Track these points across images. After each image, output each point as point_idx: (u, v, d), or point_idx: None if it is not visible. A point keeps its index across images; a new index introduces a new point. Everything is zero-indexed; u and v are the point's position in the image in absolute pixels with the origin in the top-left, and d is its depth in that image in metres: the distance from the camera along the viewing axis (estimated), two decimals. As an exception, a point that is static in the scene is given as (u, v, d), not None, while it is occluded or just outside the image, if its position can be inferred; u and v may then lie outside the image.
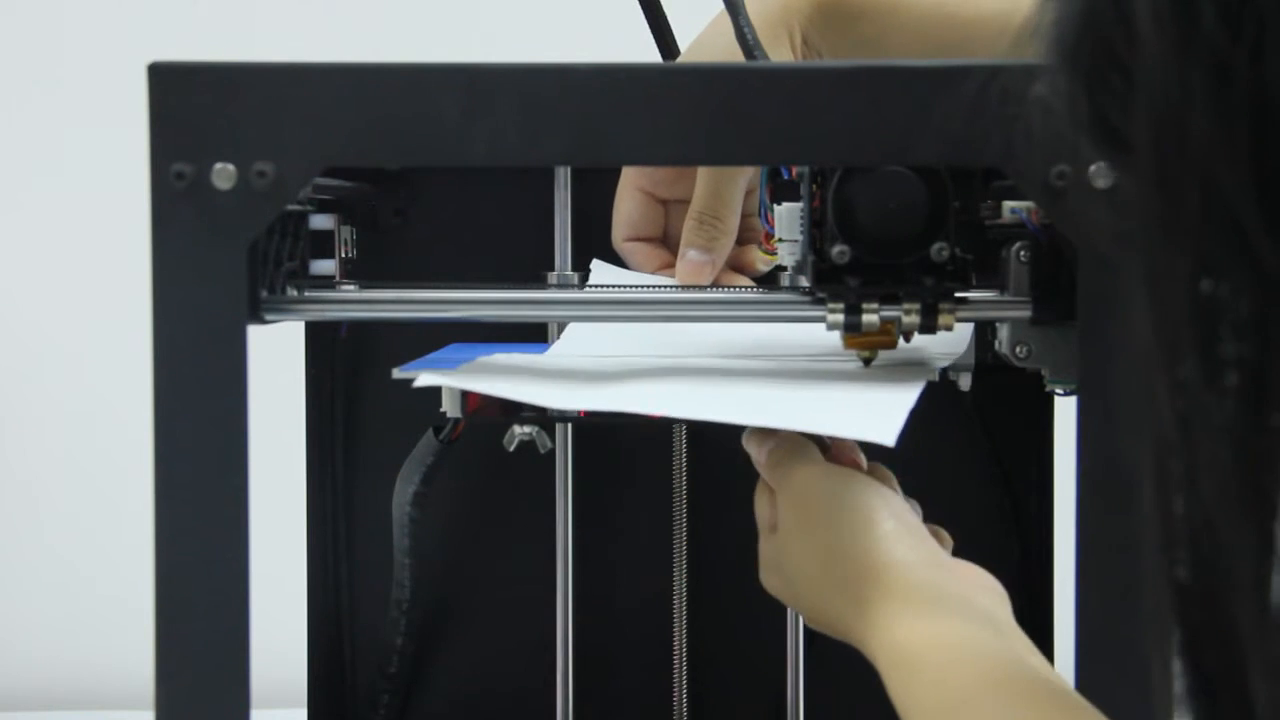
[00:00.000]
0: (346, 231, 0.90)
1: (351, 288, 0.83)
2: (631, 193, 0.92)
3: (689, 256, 0.88)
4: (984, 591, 0.70)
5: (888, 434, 0.68)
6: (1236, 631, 0.45)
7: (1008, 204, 0.76)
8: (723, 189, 0.88)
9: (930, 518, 0.75)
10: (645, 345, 0.85)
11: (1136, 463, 0.48)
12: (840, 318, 0.74)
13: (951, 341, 0.83)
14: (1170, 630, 0.48)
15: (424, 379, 0.73)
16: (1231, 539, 0.45)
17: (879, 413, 0.70)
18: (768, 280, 0.92)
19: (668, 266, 0.91)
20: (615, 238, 0.92)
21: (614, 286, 0.88)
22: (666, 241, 0.92)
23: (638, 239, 0.92)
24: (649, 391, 0.74)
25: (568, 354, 0.85)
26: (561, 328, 0.95)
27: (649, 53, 0.92)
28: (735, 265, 0.91)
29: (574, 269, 0.96)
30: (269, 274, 0.74)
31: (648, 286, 0.89)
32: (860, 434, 0.69)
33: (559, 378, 0.76)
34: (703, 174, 0.88)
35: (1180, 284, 0.45)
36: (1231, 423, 0.45)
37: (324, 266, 0.85)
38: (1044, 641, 0.98)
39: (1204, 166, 0.44)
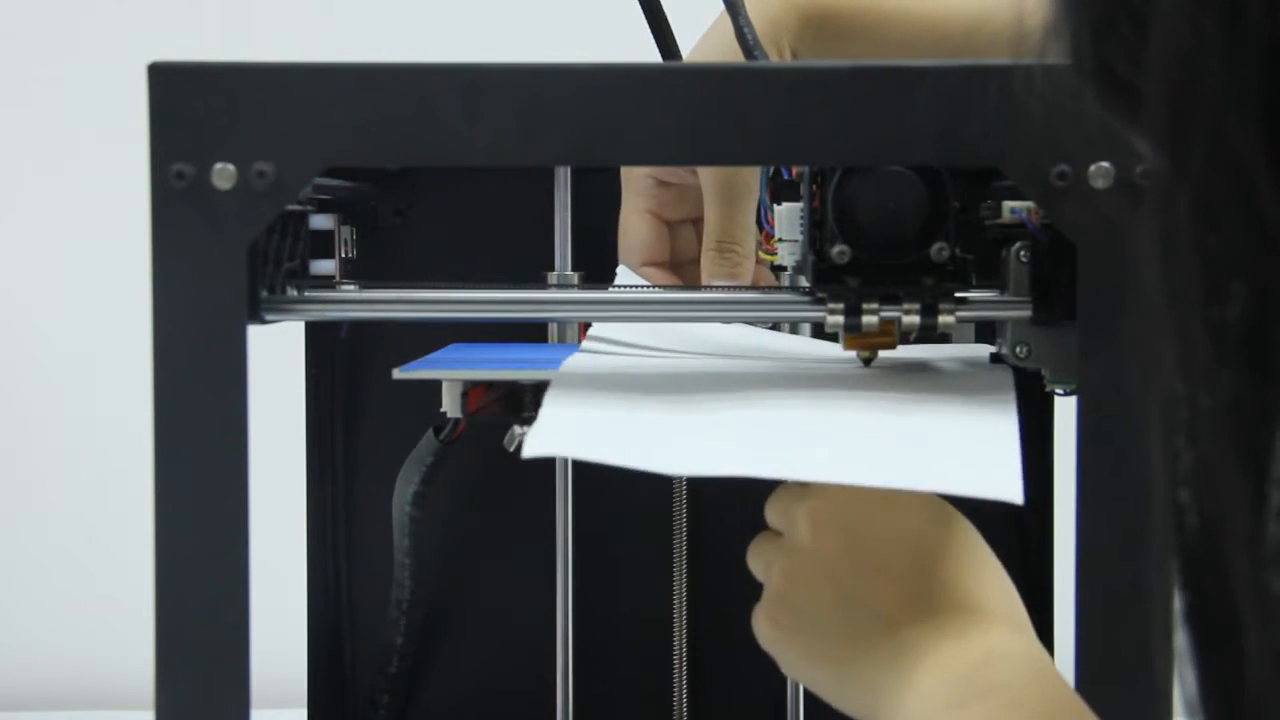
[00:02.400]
0: (346, 231, 0.90)
1: (351, 288, 0.83)
2: (640, 216, 0.91)
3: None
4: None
5: (1010, 488, 0.64)
6: (1233, 589, 0.46)
7: (1008, 204, 0.76)
8: (736, 212, 0.87)
9: (930, 518, 0.74)
10: (663, 338, 0.84)
11: (1146, 424, 0.48)
12: (840, 318, 0.74)
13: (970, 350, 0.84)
14: (1173, 595, 0.48)
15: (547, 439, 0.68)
16: (1229, 495, 0.45)
17: (988, 456, 0.66)
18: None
19: None
20: (630, 262, 0.91)
21: (614, 287, 0.88)
22: (672, 263, 0.92)
23: (652, 263, 0.91)
24: (738, 449, 0.69)
25: (599, 349, 0.84)
26: (562, 328, 0.95)
27: (649, 53, 0.92)
28: None
29: (574, 269, 0.96)
30: (269, 274, 0.74)
31: (649, 288, 0.89)
32: (981, 489, 0.64)
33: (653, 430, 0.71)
34: (712, 200, 0.87)
35: (1186, 236, 0.45)
36: (1233, 378, 0.45)
37: (324, 266, 0.85)
38: (1044, 642, 0.98)
39: (1214, 117, 0.44)
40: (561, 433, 0.69)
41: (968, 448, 0.68)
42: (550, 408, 0.71)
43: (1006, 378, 0.76)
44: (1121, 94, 0.47)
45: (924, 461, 0.67)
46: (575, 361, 0.80)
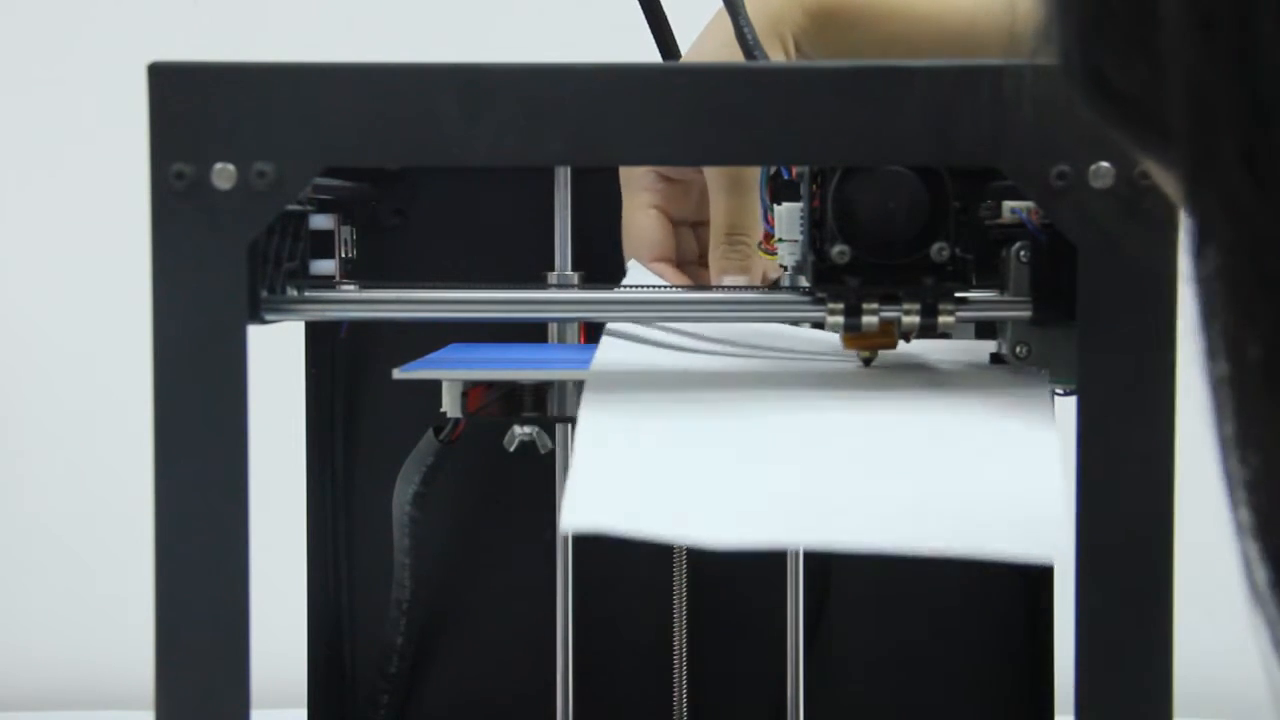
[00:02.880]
0: (346, 231, 0.90)
1: (351, 288, 0.83)
2: (646, 212, 0.90)
3: (727, 283, 0.87)
4: None
5: (1049, 549, 0.64)
6: None
7: (1008, 204, 0.76)
8: (746, 203, 0.87)
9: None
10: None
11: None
12: (840, 318, 0.73)
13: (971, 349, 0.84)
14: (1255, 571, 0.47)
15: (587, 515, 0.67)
16: None
17: (1027, 509, 0.66)
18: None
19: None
20: (640, 258, 0.91)
21: (620, 286, 0.88)
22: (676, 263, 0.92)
23: (663, 259, 0.91)
24: (777, 519, 0.69)
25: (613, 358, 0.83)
26: (562, 328, 0.95)
27: (649, 53, 0.92)
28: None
29: (574, 269, 0.96)
30: (269, 274, 0.74)
31: (648, 288, 0.89)
32: (1021, 553, 0.64)
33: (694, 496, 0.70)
34: (718, 192, 0.87)
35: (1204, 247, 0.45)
36: (1259, 388, 0.44)
37: (324, 266, 0.85)
38: (1044, 642, 0.98)
39: (1235, 131, 0.43)
40: (599, 504, 0.67)
41: (1010, 508, 0.67)
42: (583, 468, 0.68)
43: (1046, 407, 0.74)
44: (1113, 99, 0.47)
45: (965, 526, 0.67)
46: (600, 370, 0.77)
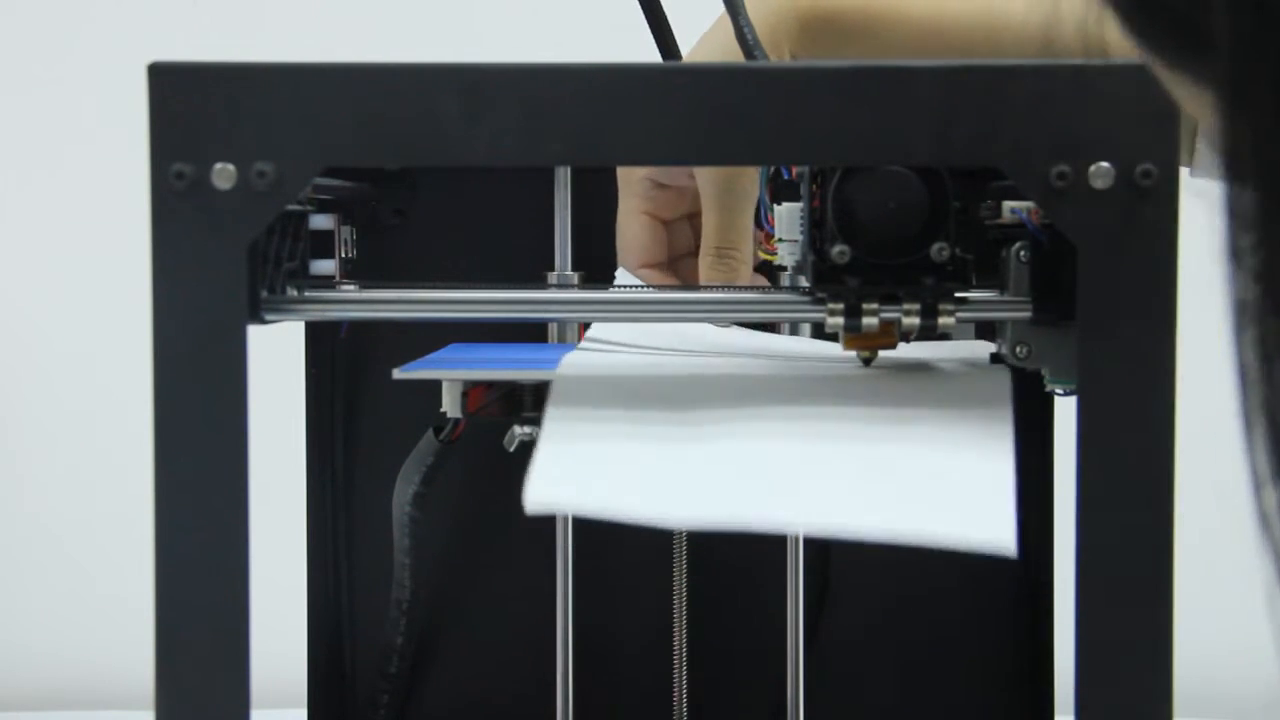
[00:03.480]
0: (346, 231, 0.90)
1: (351, 288, 0.83)
2: (638, 218, 0.91)
3: None
4: None
5: (1005, 539, 0.65)
6: None
7: (1008, 204, 0.76)
8: (736, 217, 0.87)
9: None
10: (659, 338, 0.84)
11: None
12: (840, 319, 0.73)
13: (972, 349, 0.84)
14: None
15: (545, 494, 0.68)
16: None
17: (980, 499, 0.67)
18: (768, 279, 0.92)
19: None
20: (628, 265, 0.91)
21: (614, 287, 0.88)
22: (669, 258, 0.92)
23: (651, 265, 0.91)
24: (731, 501, 0.69)
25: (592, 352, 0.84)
26: (562, 328, 0.95)
27: (649, 53, 0.92)
28: None
29: (574, 269, 0.96)
30: (269, 274, 0.74)
31: (649, 288, 0.89)
32: (972, 541, 0.65)
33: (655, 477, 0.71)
34: (710, 205, 0.87)
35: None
36: None
37: (324, 266, 0.85)
38: (1044, 642, 0.98)
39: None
40: (561, 484, 0.69)
41: (961, 495, 0.68)
42: (547, 449, 0.70)
43: (1004, 397, 0.75)
44: (1152, 13, 0.46)
45: (915, 511, 0.68)
46: (568, 373, 0.79)
